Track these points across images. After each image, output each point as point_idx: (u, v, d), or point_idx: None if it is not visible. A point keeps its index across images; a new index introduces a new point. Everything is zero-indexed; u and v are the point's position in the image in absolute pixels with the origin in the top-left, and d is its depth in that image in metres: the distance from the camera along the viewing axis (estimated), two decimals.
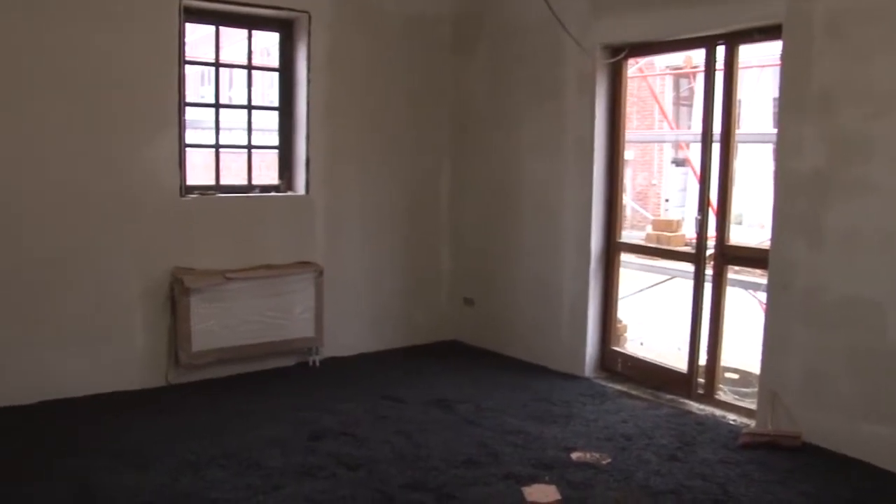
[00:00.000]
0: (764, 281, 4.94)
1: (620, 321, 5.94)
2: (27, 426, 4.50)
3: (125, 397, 5.06)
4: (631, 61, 5.53)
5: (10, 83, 4.70)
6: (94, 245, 5.03)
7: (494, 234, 6.33)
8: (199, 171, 5.62)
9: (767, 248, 4.63)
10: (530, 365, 5.95)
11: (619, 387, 5.40)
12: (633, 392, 5.29)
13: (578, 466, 4.01)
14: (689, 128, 15.65)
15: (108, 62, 4.99)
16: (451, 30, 6.54)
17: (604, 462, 4.06)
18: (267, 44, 5.75)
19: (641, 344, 7.89)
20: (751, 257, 5.26)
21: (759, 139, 11.34)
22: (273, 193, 5.89)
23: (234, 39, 5.72)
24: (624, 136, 5.59)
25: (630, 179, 16.55)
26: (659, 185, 18.27)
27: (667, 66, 14.75)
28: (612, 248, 5.63)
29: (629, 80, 5.68)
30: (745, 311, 7.99)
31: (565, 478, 3.85)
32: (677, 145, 15.06)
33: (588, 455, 4.15)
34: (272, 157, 6.00)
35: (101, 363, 5.08)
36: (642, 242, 8.96)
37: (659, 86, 15.69)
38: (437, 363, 6.05)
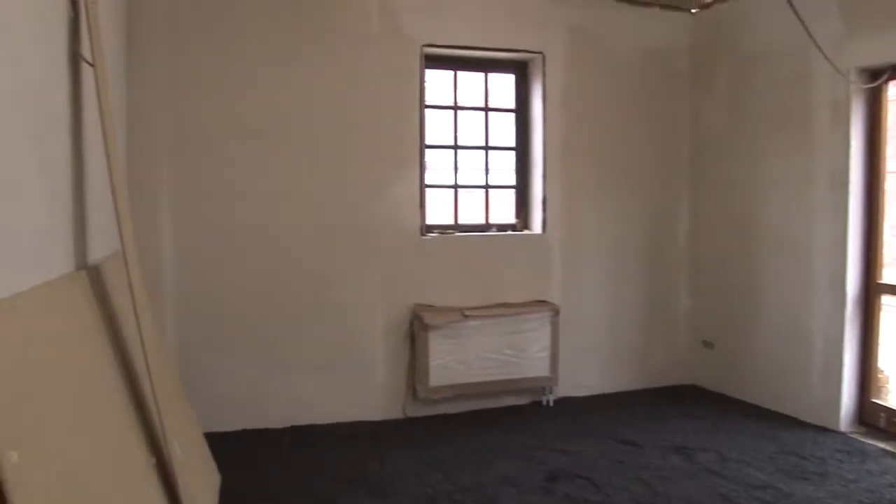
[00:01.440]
0: None
1: (882, 371, 5.37)
2: (280, 448, 4.80)
3: (365, 427, 5.28)
4: (893, 84, 5.03)
5: (272, 132, 5.14)
6: (341, 281, 5.33)
7: (736, 272, 5.98)
8: (438, 210, 5.81)
9: None
10: (776, 414, 5.53)
11: (882, 445, 4.84)
12: None
13: None
14: None
15: (354, 109, 5.32)
16: (688, 61, 6.34)
17: None
18: (502, 85, 5.81)
19: None
20: None
21: None
22: (510, 232, 5.95)
23: (470, 82, 5.87)
24: (884, 167, 5.08)
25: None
26: None
27: None
28: (872, 290, 5.11)
29: (890, 105, 5.18)
30: None
31: None
32: None
33: None
34: (509, 196, 6.07)
35: (345, 394, 5.35)
36: None
37: None
38: (675, 407, 5.78)
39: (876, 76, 4.95)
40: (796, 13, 4.57)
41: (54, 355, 2.26)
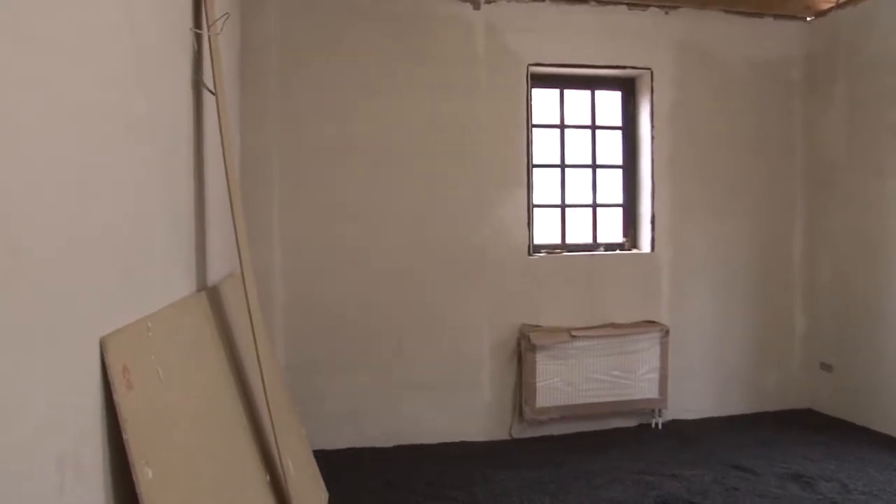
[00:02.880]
0: None
1: None
2: (386, 468, 4.83)
3: (471, 448, 5.27)
4: None
5: (381, 154, 5.23)
6: (448, 301, 5.36)
7: (856, 291, 5.71)
8: (545, 230, 5.78)
9: None
10: None
11: None
12: None
13: None
14: None
15: (462, 130, 5.36)
16: (802, 72, 6.11)
17: None
18: (609, 102, 5.75)
19: None
20: None
21: None
22: (618, 251, 5.86)
23: (576, 100, 5.83)
24: None
25: None
26: None
27: None
28: None
29: None
30: None
31: None
32: None
33: None
34: (617, 214, 5.98)
35: (451, 413, 5.36)
36: None
37: None
38: (791, 433, 5.53)
39: None
40: None
41: (181, 374, 2.34)
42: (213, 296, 3.24)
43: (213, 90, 3.23)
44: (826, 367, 6.02)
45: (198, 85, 3.26)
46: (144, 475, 1.74)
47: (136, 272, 2.21)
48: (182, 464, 2.06)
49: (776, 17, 6.03)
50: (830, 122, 5.92)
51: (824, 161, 5.99)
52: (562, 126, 5.82)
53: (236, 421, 2.90)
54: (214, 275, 3.55)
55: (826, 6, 5.90)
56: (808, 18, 6.09)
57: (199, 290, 3.13)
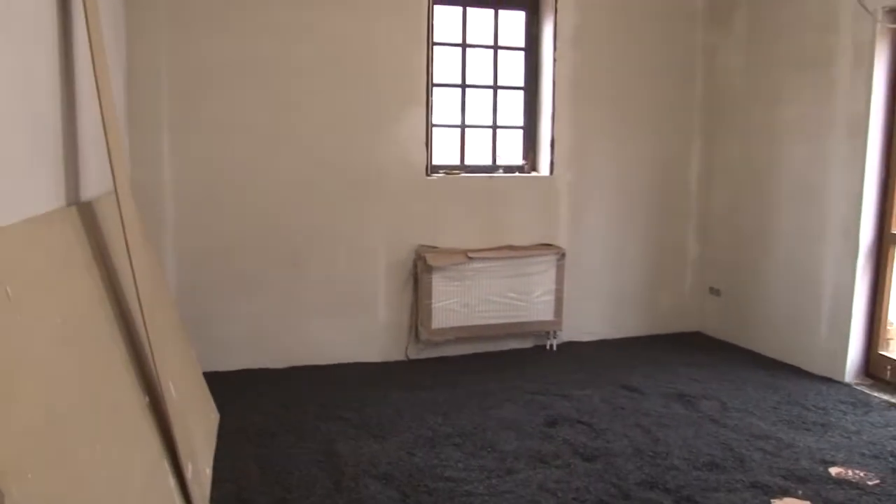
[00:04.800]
0: None
1: (892, 323, 5.29)
2: (281, 389, 4.79)
3: (367, 368, 5.28)
4: None
5: (277, 72, 5.02)
6: (343, 221, 5.27)
7: (746, 219, 5.88)
8: (444, 150, 5.70)
9: None
10: (781, 363, 5.49)
11: (886, 397, 4.79)
12: None
13: (839, 483, 3.58)
14: None
15: (360, 46, 5.19)
16: (705, 1, 6.12)
17: (870, 482, 3.60)
18: (512, 22, 5.65)
19: None
20: None
21: None
22: (517, 174, 5.84)
23: (479, 19, 5.70)
24: None
25: None
26: None
27: None
28: (886, 240, 4.99)
29: None
30: None
31: (822, 495, 3.46)
32: None
33: (850, 472, 3.70)
34: (517, 136, 5.94)
35: (347, 334, 5.33)
36: None
37: None
38: (680, 355, 5.73)
39: None
40: None
41: (38, 293, 2.21)
42: (86, 211, 3.07)
43: None
44: (715, 292, 6.23)
45: None
46: None
47: None
48: (33, 388, 1.95)
49: None
50: (729, 51, 5.98)
51: (722, 89, 6.07)
52: (464, 45, 5.69)
53: (110, 343, 2.78)
54: (91, 190, 3.36)
55: None
56: None
57: (69, 205, 2.95)
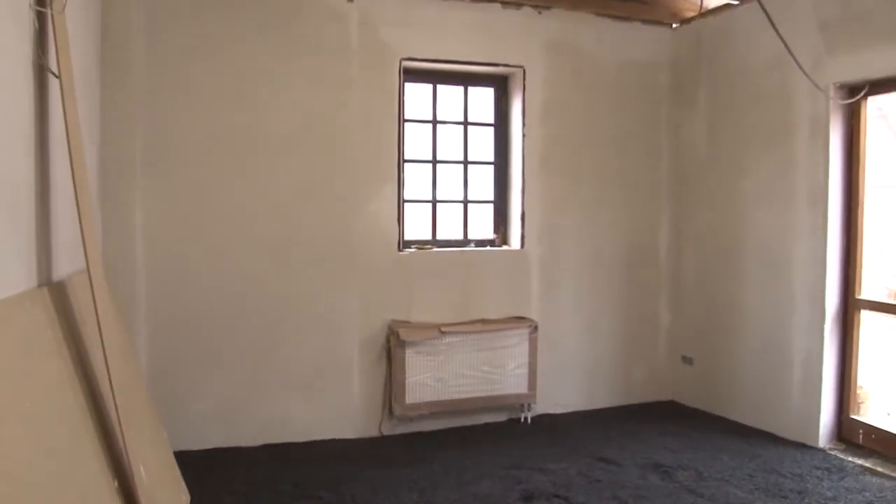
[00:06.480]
0: None
1: (861, 387, 5.35)
2: (253, 468, 4.69)
3: (341, 446, 5.20)
4: (871, 100, 5.02)
5: (250, 147, 5.07)
6: (316, 297, 5.26)
7: (717, 288, 5.96)
8: (416, 225, 5.75)
9: None
10: (755, 430, 5.50)
11: (860, 461, 4.81)
12: (879, 469, 4.68)
13: None
14: None
15: (333, 124, 5.26)
16: (669, 76, 6.33)
17: None
18: (482, 99, 5.77)
19: (888, 414, 7.05)
20: None
21: None
22: (488, 248, 5.89)
23: (449, 96, 5.82)
24: (863, 182, 5.07)
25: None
26: None
27: None
28: (851, 306, 5.09)
29: (869, 122, 5.16)
30: None
31: None
32: None
33: None
34: (488, 211, 6.02)
35: (320, 410, 5.27)
36: (888, 300, 8.05)
37: None
38: (654, 425, 5.72)
39: (854, 92, 4.95)
40: (775, 28, 4.56)
41: (8, 377, 2.18)
42: (57, 291, 3.04)
43: (58, 73, 3.03)
44: (687, 361, 6.26)
45: (42, 68, 3.06)
46: None
47: None
48: (8, 471, 1.91)
49: (644, 21, 6.21)
50: (694, 125, 6.16)
51: (688, 162, 6.23)
52: (434, 122, 5.80)
53: (80, 427, 2.73)
54: (63, 270, 3.34)
55: (689, 14, 6.14)
56: (674, 25, 6.31)
57: (40, 286, 2.93)
